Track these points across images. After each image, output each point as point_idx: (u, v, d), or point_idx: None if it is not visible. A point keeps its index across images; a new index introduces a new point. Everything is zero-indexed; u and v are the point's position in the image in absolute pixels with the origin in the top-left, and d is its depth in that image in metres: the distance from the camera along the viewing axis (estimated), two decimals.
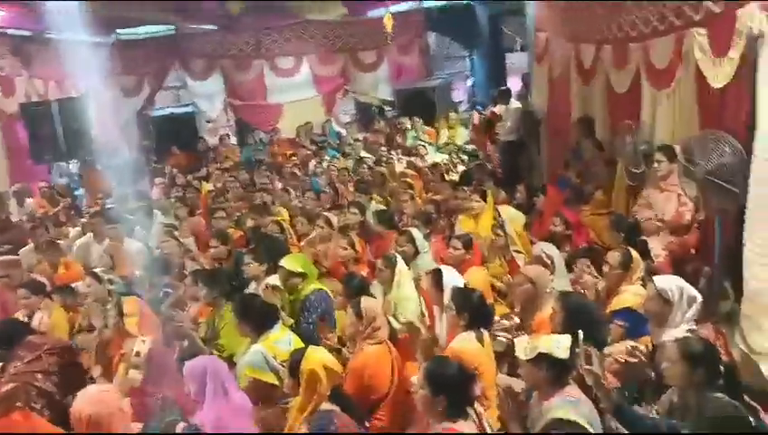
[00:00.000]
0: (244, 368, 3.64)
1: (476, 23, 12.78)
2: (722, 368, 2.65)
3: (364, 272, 5.01)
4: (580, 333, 2.76)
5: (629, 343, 3.51)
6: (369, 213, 6.39)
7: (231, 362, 3.97)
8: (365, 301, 3.59)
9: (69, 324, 4.90)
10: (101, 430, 2.75)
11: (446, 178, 8.07)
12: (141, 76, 11.91)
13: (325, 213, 6.29)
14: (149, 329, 4.20)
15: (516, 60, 12.52)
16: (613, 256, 4.08)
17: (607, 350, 3.41)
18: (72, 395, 3.05)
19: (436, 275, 4.05)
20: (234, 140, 12.43)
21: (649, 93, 5.33)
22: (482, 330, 3.47)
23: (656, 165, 4.93)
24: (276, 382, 3.52)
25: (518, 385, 3.25)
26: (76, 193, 9.55)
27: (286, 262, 4.68)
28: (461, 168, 8.88)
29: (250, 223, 6.64)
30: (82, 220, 7.48)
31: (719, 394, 2.53)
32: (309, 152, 10.63)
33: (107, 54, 10.44)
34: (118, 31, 11.15)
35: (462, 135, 11.00)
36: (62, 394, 3.44)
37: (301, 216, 6.69)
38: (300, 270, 4.62)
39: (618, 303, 3.88)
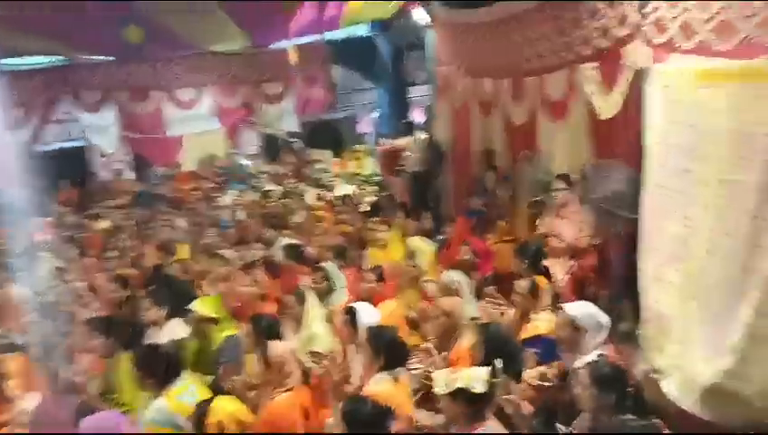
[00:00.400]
0: (146, 425, 3.35)
1: (379, 56, 13.03)
2: (630, 389, 2.74)
3: (272, 309, 4.83)
4: (498, 362, 2.76)
5: (541, 369, 3.56)
6: (277, 247, 6.22)
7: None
8: (273, 347, 3.40)
9: None
10: None
11: (357, 209, 8.05)
12: (28, 109, 11.10)
13: (222, 250, 6.03)
14: (36, 387, 3.81)
15: (420, 92, 12.84)
16: (521, 285, 4.16)
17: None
18: None
19: (351, 313, 3.96)
20: (131, 175, 11.79)
21: (546, 124, 5.59)
22: (398, 369, 3.37)
23: (554, 193, 5.14)
24: None
25: (436, 420, 3.21)
26: None
27: (198, 306, 4.42)
28: (370, 199, 8.89)
29: (149, 263, 6.26)
30: None
31: (630, 416, 2.59)
32: (212, 186, 10.28)
33: None
34: (1, 61, 10.35)
35: (369, 166, 11.06)
36: None
37: (202, 253, 6.38)
38: (212, 315, 4.38)
39: (529, 330, 3.95)
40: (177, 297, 4.91)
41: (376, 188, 9.88)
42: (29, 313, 5.33)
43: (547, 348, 3.78)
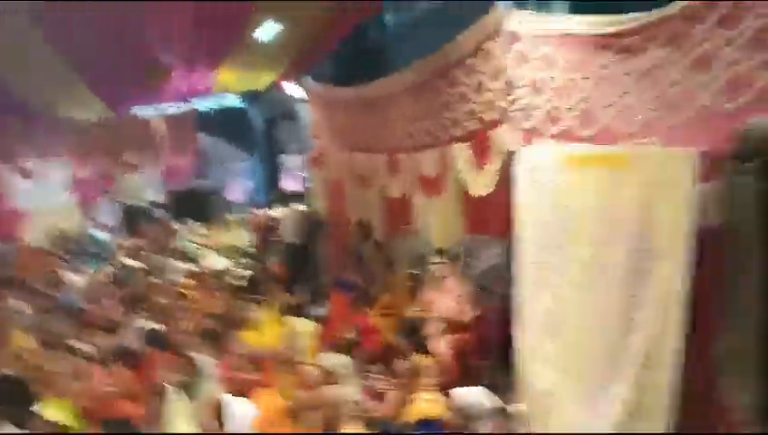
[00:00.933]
0: None
1: (251, 125, 12.88)
2: None
3: (135, 409, 4.28)
4: None
5: None
6: (136, 333, 5.63)
7: None
8: None
9: None
10: None
11: (231, 285, 7.57)
12: None
13: (73, 341, 5.35)
14: None
15: (294, 162, 12.76)
16: (401, 365, 4.06)
17: None
18: None
19: (220, 409, 3.60)
20: None
21: (422, 199, 5.68)
22: None
23: (435, 266, 5.17)
24: None
25: None
26: None
27: (47, 411, 3.79)
28: (245, 272, 8.44)
29: None
30: None
31: None
32: (63, 263, 9.27)
33: None
34: None
35: (243, 237, 10.62)
36: None
37: (48, 344, 5.59)
38: (62, 420, 3.77)
39: (414, 413, 3.81)
40: (13, 400, 4.19)
41: (250, 260, 9.46)
42: None
43: (432, 430, 3.67)
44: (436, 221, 5.46)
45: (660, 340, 2.83)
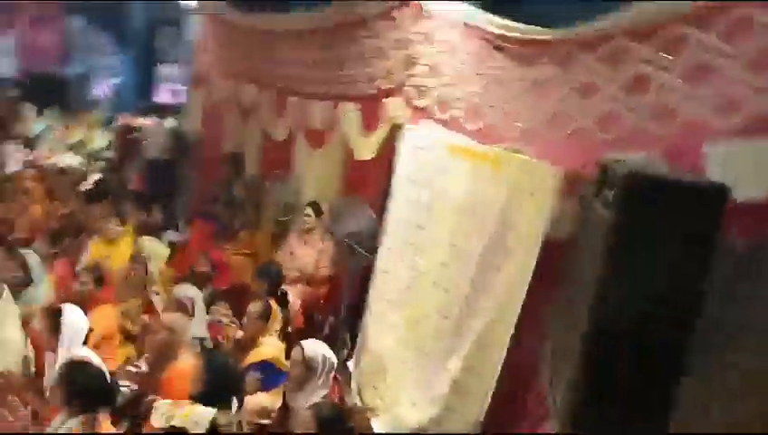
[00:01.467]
0: None
1: (132, 20, 11.80)
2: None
3: None
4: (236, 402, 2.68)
5: (262, 401, 3.54)
6: None
7: None
8: None
9: None
10: None
11: (78, 187, 7.02)
12: None
13: None
14: None
15: (169, 72, 11.93)
16: (254, 307, 4.10)
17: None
18: None
19: (54, 316, 3.42)
20: None
21: (304, 148, 5.66)
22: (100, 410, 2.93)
23: (304, 218, 5.22)
24: None
25: None
26: None
27: None
28: (96, 177, 7.85)
29: None
30: None
31: None
32: None
33: None
34: None
35: (101, 139, 9.82)
36: None
37: None
38: None
39: (256, 355, 3.89)
40: None
41: (103, 165, 8.81)
42: None
43: (270, 374, 3.80)
44: (314, 173, 5.49)
45: (496, 327, 3.17)
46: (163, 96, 11.50)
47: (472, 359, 3.22)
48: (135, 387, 3.53)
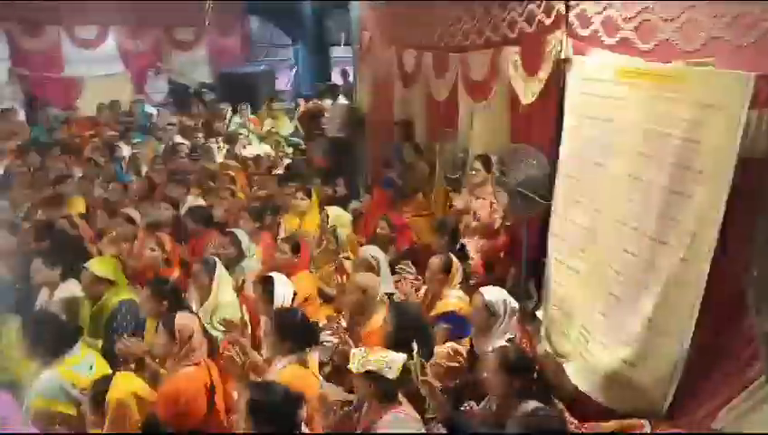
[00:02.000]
0: (34, 398, 3.11)
1: (301, 12, 12.58)
2: (536, 376, 2.86)
3: (175, 275, 4.63)
4: (415, 346, 2.80)
5: (452, 346, 3.65)
6: (183, 208, 5.94)
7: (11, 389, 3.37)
8: (180, 318, 3.20)
9: None
10: None
11: (272, 172, 7.81)
12: None
13: (126, 208, 5.68)
14: None
15: (342, 54, 12.55)
16: (435, 262, 4.21)
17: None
18: None
19: (266, 284, 3.85)
20: (21, 116, 10.76)
21: (466, 103, 5.61)
22: (306, 351, 3.29)
23: (472, 172, 5.22)
24: (74, 413, 3.05)
25: (347, 397, 3.20)
26: None
27: (94, 266, 4.12)
28: (286, 161, 8.64)
29: (41, 217, 5.79)
30: None
31: (535, 402, 2.71)
32: (113, 134, 9.60)
33: None
34: None
35: (287, 126, 10.73)
36: None
37: (101, 209, 5.96)
38: (107, 275, 4.10)
39: (441, 307, 4.02)
40: (70, 256, 4.57)
41: (292, 150, 9.63)
42: None
43: (457, 324, 3.90)
44: (480, 126, 5.41)
45: (690, 260, 2.88)
46: (337, 77, 12.13)
47: (666, 297, 2.96)
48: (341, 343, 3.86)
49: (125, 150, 8.62)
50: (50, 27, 10.96)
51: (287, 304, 3.71)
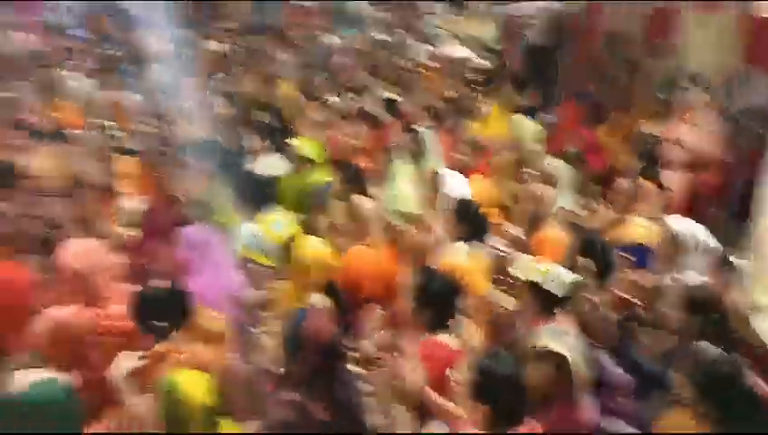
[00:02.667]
0: (237, 245, 3.59)
1: None
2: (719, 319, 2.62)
3: (363, 162, 4.88)
4: (588, 262, 2.70)
5: (633, 279, 3.44)
6: (377, 99, 6.14)
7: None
8: (357, 200, 3.42)
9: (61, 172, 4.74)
10: (85, 284, 2.71)
11: (466, 75, 7.68)
12: None
13: (328, 96, 6.00)
14: (145, 189, 4.10)
15: None
16: (623, 184, 3.94)
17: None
18: None
19: (439, 179, 3.93)
20: None
21: (692, 14, 4.91)
22: (476, 242, 3.35)
23: (688, 94, 4.65)
24: (267, 263, 3.47)
25: (508, 302, 3.23)
26: (71, 32, 8.92)
27: (299, 143, 4.51)
28: (484, 66, 8.40)
29: (251, 90, 6.36)
30: (89, 67, 7.12)
31: (712, 346, 2.50)
32: (322, 24, 10.02)
33: None
34: None
35: (489, 30, 10.34)
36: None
37: (305, 93, 6.39)
38: (310, 156, 4.46)
39: (624, 234, 3.79)
40: (278, 132, 5.04)
41: (492, 56, 9.31)
42: (140, 118, 5.65)
43: (640, 255, 3.64)
44: (704, 42, 4.72)
45: None
46: None
47: None
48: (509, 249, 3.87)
49: (335, 40, 9.01)
50: None
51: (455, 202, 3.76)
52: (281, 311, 2.96)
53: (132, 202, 3.72)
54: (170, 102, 5.83)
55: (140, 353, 2.35)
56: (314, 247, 3.07)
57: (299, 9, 11.03)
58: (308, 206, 4.25)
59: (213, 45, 8.51)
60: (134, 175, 4.17)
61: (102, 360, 2.52)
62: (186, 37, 8.74)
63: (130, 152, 4.74)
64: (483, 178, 4.75)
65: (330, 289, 2.94)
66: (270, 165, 4.62)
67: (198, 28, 9.56)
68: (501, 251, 3.85)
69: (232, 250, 3.60)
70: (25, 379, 2.14)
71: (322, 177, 4.39)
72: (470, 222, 3.39)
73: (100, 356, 2.55)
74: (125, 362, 2.31)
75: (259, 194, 3.84)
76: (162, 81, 6.45)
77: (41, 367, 2.30)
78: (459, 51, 9.16)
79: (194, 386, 2.12)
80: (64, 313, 2.66)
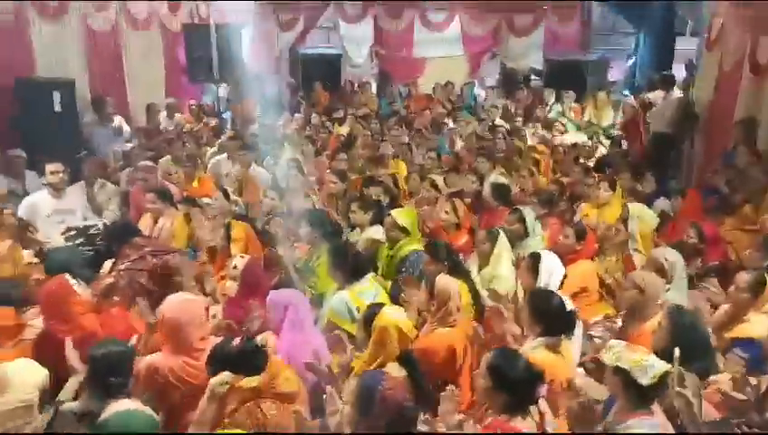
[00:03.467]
0: (327, 311, 3.71)
1: None
2: None
3: (462, 239, 4.88)
4: (677, 351, 2.49)
5: (740, 375, 3.10)
6: (486, 182, 6.19)
7: (319, 302, 4.06)
8: (440, 280, 3.40)
9: (187, 235, 5.22)
10: (179, 335, 2.92)
11: (581, 161, 7.58)
12: (296, 13, 12.16)
13: (433, 175, 6.15)
14: (252, 252, 4.41)
15: (683, 45, 11.32)
16: (743, 277, 3.62)
17: (713, 378, 3.06)
18: None
19: (534, 260, 3.83)
20: (373, 88, 12.47)
21: None
22: (558, 337, 3.15)
23: None
24: (353, 332, 3.53)
25: (597, 392, 3.01)
26: (223, 115, 10.06)
27: (396, 213, 4.65)
28: (600, 152, 8.27)
29: (368, 172, 6.69)
30: (220, 141, 7.93)
31: None
32: (443, 111, 10.44)
33: None
34: None
35: (609, 117, 10.20)
36: (162, 294, 3.69)
37: (416, 173, 6.61)
38: (405, 226, 4.56)
39: (741, 331, 3.46)
40: (384, 207, 5.23)
41: (611, 142, 9.13)
42: (266, 191, 6.11)
43: (757, 355, 3.30)
44: None
45: None
46: (678, 69, 10.99)
47: None
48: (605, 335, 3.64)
49: (449, 126, 9.33)
50: (407, 11, 12.35)
51: (552, 285, 3.62)
52: (357, 377, 2.97)
53: (241, 263, 3.99)
54: (293, 177, 6.28)
55: None
56: (395, 317, 3.09)
57: (422, 97, 11.63)
58: (397, 274, 4.31)
59: (340, 129, 9.14)
60: (244, 238, 4.50)
61: (185, 403, 2.70)
62: (318, 121, 9.52)
63: (248, 220, 5.13)
64: (587, 262, 4.56)
65: (406, 360, 2.92)
66: (368, 236, 4.78)
67: (330, 113, 10.37)
68: (595, 337, 3.65)
69: (321, 315, 3.74)
70: (114, 408, 2.39)
71: (414, 246, 4.45)
72: (547, 316, 3.16)
73: (183, 399, 2.72)
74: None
75: (354, 263, 3.96)
76: (291, 158, 6.98)
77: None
78: (576, 136, 9.10)
79: None
80: (156, 357, 2.89)
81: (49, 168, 5.23)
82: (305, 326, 3.32)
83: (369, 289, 3.86)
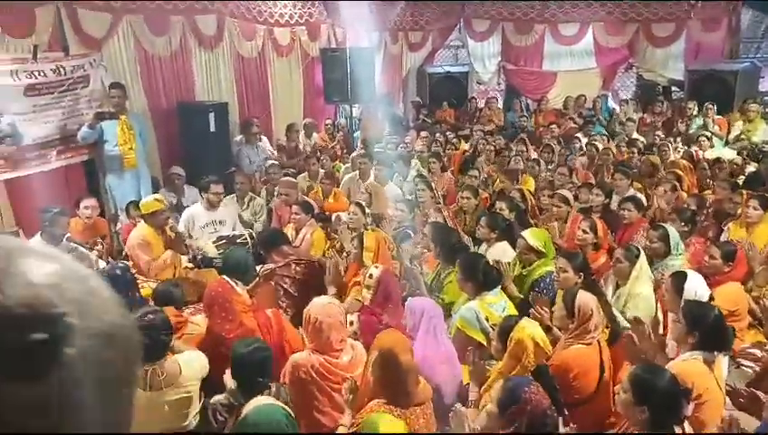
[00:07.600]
0: (457, 320, 3.78)
1: None
2: None
3: (601, 260, 4.73)
4: None
5: None
6: (621, 197, 5.96)
7: (447, 313, 4.13)
8: (581, 297, 3.34)
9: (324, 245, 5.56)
10: (321, 335, 3.14)
11: (728, 177, 7.04)
12: (426, 33, 12.45)
13: (563, 191, 6.02)
14: (383, 262, 4.60)
15: None
16: None
17: None
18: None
19: (679, 280, 3.65)
20: (500, 103, 12.43)
21: None
22: (715, 353, 3.01)
23: None
24: (483, 341, 3.58)
25: (749, 423, 2.82)
26: (354, 134, 10.53)
27: (528, 235, 4.62)
28: (750, 168, 7.62)
29: (497, 187, 6.69)
30: (352, 156, 8.31)
31: None
32: (574, 126, 10.16)
33: (399, 11, 11.23)
34: None
35: (762, 131, 9.36)
36: (304, 299, 3.97)
37: (546, 189, 6.51)
38: (539, 247, 4.52)
39: None
40: (513, 223, 5.22)
41: (761, 157, 8.38)
42: (396, 206, 6.34)
43: None
44: None
45: None
46: None
47: None
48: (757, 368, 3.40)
49: (582, 141, 9.06)
50: (537, 25, 12.20)
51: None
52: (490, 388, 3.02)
53: (376, 272, 4.18)
54: (421, 193, 6.44)
55: None
56: (533, 330, 3.09)
57: (552, 112, 11.39)
58: (528, 293, 4.28)
59: (465, 145, 9.20)
60: (376, 248, 4.70)
61: (323, 398, 2.91)
62: (444, 139, 9.66)
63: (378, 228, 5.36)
64: (735, 284, 4.26)
65: (540, 373, 2.91)
66: (498, 252, 4.79)
67: (457, 130, 10.50)
68: (744, 365, 3.42)
69: (450, 325, 3.82)
70: (255, 402, 2.64)
71: (549, 268, 4.39)
72: (706, 329, 3.04)
73: (322, 394, 2.92)
74: None
75: (483, 275, 4.00)
76: (418, 175, 7.17)
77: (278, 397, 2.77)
78: (721, 152, 8.48)
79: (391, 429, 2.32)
80: (299, 355, 3.13)
81: (213, 188, 5.79)
82: (439, 335, 3.42)
83: (499, 301, 3.89)
